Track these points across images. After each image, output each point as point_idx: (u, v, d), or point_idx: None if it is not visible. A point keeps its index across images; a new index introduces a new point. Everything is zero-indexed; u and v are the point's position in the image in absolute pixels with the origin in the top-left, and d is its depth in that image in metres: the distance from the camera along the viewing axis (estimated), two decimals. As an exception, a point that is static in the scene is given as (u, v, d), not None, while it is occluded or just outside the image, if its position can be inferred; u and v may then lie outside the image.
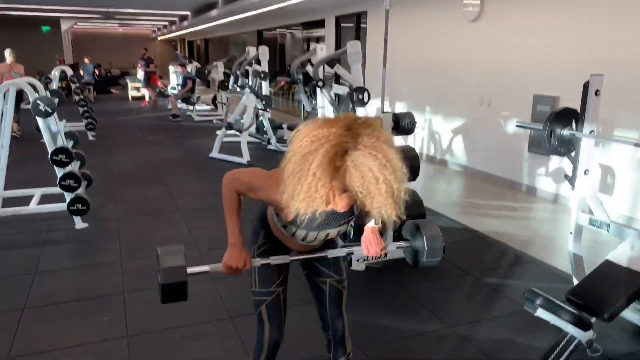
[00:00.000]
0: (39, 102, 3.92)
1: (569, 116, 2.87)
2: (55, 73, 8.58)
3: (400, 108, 8.06)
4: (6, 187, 4.57)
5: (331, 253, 1.86)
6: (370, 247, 1.82)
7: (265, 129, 7.93)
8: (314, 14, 10.63)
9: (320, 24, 10.67)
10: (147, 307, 2.98)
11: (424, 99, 7.46)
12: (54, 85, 8.69)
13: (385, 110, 3.74)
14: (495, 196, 5.55)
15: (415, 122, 3.75)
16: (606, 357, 2.54)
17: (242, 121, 7.55)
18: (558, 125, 2.87)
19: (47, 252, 3.82)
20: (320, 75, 5.56)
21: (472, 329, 2.81)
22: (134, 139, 8.95)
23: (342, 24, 9.95)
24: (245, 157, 6.88)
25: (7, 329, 2.75)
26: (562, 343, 2.27)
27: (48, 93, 4.61)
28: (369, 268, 3.58)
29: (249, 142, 8.23)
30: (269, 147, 7.93)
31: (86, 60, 16.17)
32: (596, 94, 2.75)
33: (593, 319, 2.23)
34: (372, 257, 1.93)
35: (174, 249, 1.66)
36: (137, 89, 15.46)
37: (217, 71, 11.35)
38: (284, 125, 8.05)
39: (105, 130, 9.54)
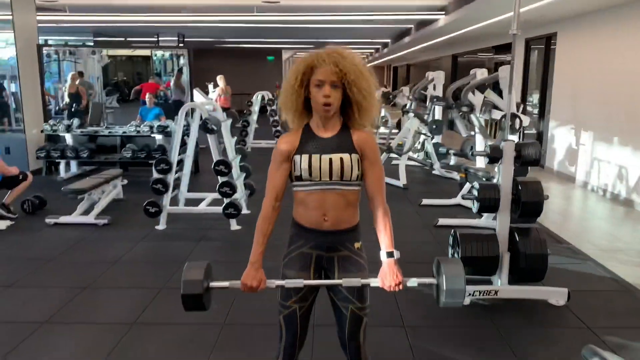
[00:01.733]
0: (207, 121, 4.74)
1: None
2: (257, 97, 9.96)
3: (584, 138, 7.23)
4: (189, 190, 5.60)
5: (346, 282, 1.91)
6: (385, 279, 1.87)
7: (429, 154, 7.91)
8: (503, 37, 10.19)
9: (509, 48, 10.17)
10: (252, 302, 3.37)
11: (611, 128, 6.57)
12: (255, 107, 10.10)
13: (506, 139, 3.53)
14: (678, 247, 4.63)
15: (540, 153, 3.46)
16: None
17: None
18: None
19: (201, 245, 4.57)
20: (474, 100, 5.42)
21: (554, 385, 2.51)
22: (314, 157, 9.80)
23: (532, 46, 9.34)
24: (402, 181, 7.00)
25: (143, 302, 3.43)
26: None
27: (224, 114, 5.48)
28: (474, 303, 3.42)
29: (413, 166, 8.35)
30: (434, 172, 7.89)
31: (296, 86, 18.12)
32: None
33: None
34: (394, 289, 1.89)
35: (198, 265, 1.92)
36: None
37: (402, 96, 11.65)
38: (451, 151, 7.91)
39: (294, 148, 10.63)
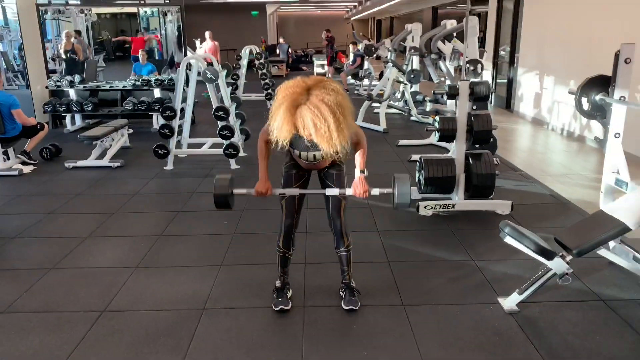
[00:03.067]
0: (207, 71, 5.36)
1: (603, 83, 3.10)
2: (245, 51, 10.46)
3: (547, 82, 7.95)
4: (190, 136, 6.27)
5: (328, 191, 2.69)
6: (356, 189, 2.63)
7: (407, 101, 8.59)
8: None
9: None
10: (255, 219, 4.13)
11: (570, 72, 7.28)
12: (244, 61, 10.61)
13: (463, 78, 4.22)
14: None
15: (490, 91, 4.18)
16: (600, 299, 2.86)
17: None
18: (592, 91, 3.13)
19: (205, 181, 5.28)
20: (445, 49, 6.06)
21: (489, 263, 3.31)
22: (301, 108, 10.42)
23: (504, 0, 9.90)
24: (382, 126, 7.71)
25: (165, 221, 4.16)
26: (540, 273, 2.72)
27: (220, 66, 6.08)
28: (435, 215, 4.20)
29: (394, 113, 9.04)
30: (411, 118, 8.59)
31: (281, 41, 18.51)
32: (626, 62, 2.95)
33: (563, 255, 2.63)
34: (362, 195, 2.65)
35: (225, 175, 2.70)
36: (322, 66, 17.21)
37: (384, 48, 12.18)
38: (427, 99, 8.59)
39: (282, 100, 11.22)
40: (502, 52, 9.98)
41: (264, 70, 10.50)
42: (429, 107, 8.42)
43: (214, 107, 5.57)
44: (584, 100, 3.23)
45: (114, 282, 3.12)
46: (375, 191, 2.66)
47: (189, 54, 9.95)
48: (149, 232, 3.93)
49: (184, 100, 5.92)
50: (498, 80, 10.19)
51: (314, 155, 2.57)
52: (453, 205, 4.21)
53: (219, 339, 2.56)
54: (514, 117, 9.01)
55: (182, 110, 5.95)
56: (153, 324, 2.68)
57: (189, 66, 5.79)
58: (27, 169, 5.75)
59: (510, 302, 2.79)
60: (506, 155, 6.08)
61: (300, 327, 2.65)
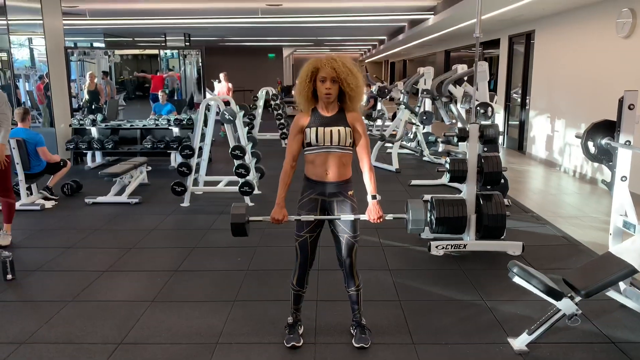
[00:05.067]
0: (225, 112, 5.57)
1: (609, 127, 3.20)
2: (261, 92, 10.77)
3: (558, 125, 8.05)
4: (207, 174, 6.44)
5: (344, 217, 2.76)
6: (370, 214, 2.72)
7: (419, 142, 8.73)
8: (492, 34, 10.99)
9: (497, 43, 10.98)
10: (268, 256, 4.21)
11: (579, 115, 7.39)
12: (260, 101, 10.91)
13: (472, 122, 4.35)
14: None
15: (499, 133, 4.29)
16: (610, 341, 2.87)
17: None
18: (598, 136, 3.22)
19: (220, 218, 5.40)
20: (456, 92, 6.23)
21: (499, 303, 3.34)
22: (315, 147, 10.62)
23: (515, 44, 10.14)
24: (395, 165, 7.83)
25: (181, 257, 4.26)
26: (549, 313, 2.75)
27: (237, 107, 6.30)
28: (446, 255, 4.25)
29: (406, 154, 9.17)
30: (424, 158, 8.71)
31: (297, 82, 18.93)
32: (630, 107, 3.05)
33: (571, 296, 2.66)
34: (376, 221, 2.74)
35: (241, 204, 2.81)
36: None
37: (397, 90, 12.45)
38: (439, 140, 8.73)
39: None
40: (514, 95, 10.15)
41: (279, 111, 10.77)
42: (441, 147, 8.54)
43: (230, 146, 5.75)
44: (590, 144, 3.32)
45: (131, 316, 3.20)
46: (390, 217, 2.75)
47: (207, 94, 10.31)
48: (165, 267, 4.02)
49: (202, 139, 6.12)
50: (510, 122, 10.32)
51: (330, 132, 2.62)
52: (464, 246, 4.25)
53: (231, 374, 2.60)
54: (526, 158, 9.09)
55: (200, 149, 6.14)
56: (168, 358, 2.74)
57: (207, 107, 6.01)
58: (48, 204, 5.93)
59: (520, 342, 2.81)
60: (518, 196, 6.14)
61: (312, 363, 2.69)
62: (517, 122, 9.85)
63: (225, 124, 5.77)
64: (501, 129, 10.29)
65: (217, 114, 5.95)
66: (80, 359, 2.73)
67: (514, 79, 10.16)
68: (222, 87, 12.05)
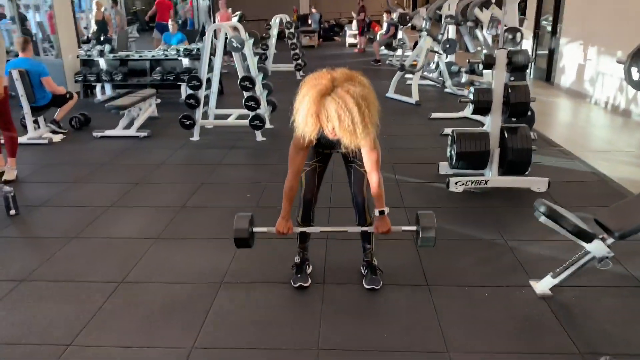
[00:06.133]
0: (232, 39, 5.22)
1: (657, 51, 2.82)
2: (275, 21, 10.24)
3: (591, 53, 7.49)
4: (218, 107, 6.17)
5: (350, 229, 2.64)
6: (379, 228, 2.55)
7: (441, 73, 8.27)
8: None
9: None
10: (278, 192, 4.02)
11: (619, 41, 6.82)
12: (274, 30, 10.40)
13: (501, 47, 3.96)
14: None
15: (529, 61, 3.90)
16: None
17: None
18: (643, 60, 2.85)
19: (231, 153, 5.20)
20: (482, 17, 5.74)
21: (522, 244, 3.13)
22: (332, 79, 10.19)
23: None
24: (414, 97, 7.44)
25: (189, 193, 4.11)
26: (577, 256, 2.54)
27: (247, 34, 5.92)
28: (466, 192, 4.01)
29: (427, 85, 8.74)
30: (446, 90, 8.27)
31: (313, 10, 18.14)
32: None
33: (603, 237, 2.43)
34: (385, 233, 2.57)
35: (244, 216, 2.58)
36: (354, 36, 16.81)
37: (419, 17, 11.74)
38: (462, 69, 8.24)
39: (312, 71, 10.99)
40: (544, 22, 9.46)
41: (294, 40, 10.27)
42: (464, 78, 8.08)
43: (239, 77, 5.44)
44: (634, 70, 2.95)
45: (134, 253, 3.09)
46: (399, 229, 2.58)
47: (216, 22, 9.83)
48: (172, 203, 3.88)
49: (212, 70, 5.81)
50: (538, 52, 9.70)
51: (337, 151, 2.52)
52: (486, 182, 4.00)
53: (234, 315, 2.49)
54: (554, 89, 8.57)
55: (209, 80, 5.85)
56: (170, 297, 2.63)
57: (215, 34, 5.66)
58: (56, 138, 5.79)
59: (543, 285, 2.62)
60: (545, 129, 5.76)
61: (319, 305, 2.55)
62: (546, 51, 9.23)
63: (233, 53, 5.43)
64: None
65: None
66: (80, 297, 2.64)
67: (544, 4, 9.43)
68: (220, 15, 11.47)
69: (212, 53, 5.82)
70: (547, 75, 9.12)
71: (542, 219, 2.51)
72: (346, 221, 2.98)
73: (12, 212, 3.65)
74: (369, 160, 2.42)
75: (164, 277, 2.83)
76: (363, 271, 2.77)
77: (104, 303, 2.58)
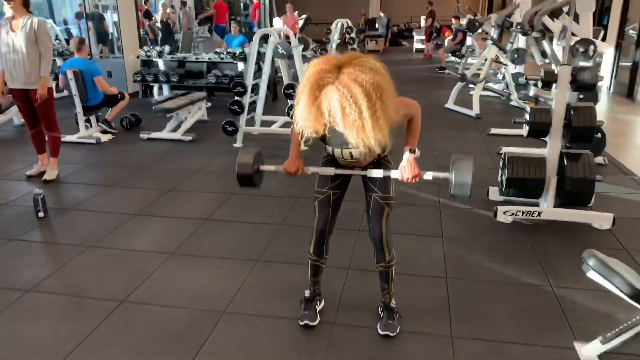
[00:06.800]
0: (278, 46, 5.04)
1: None
2: (335, 26, 10.03)
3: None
4: (265, 114, 6.04)
5: (369, 173, 2.24)
6: (404, 172, 2.17)
7: (507, 84, 7.70)
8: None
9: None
10: (308, 209, 3.78)
11: None
12: (335, 35, 10.19)
13: (564, 63, 3.50)
14: None
15: (597, 78, 3.42)
16: None
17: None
18: None
19: (269, 162, 4.99)
20: (553, 27, 5.21)
21: (572, 293, 2.70)
22: (391, 87, 9.85)
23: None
24: (475, 110, 6.96)
25: (216, 204, 3.96)
26: (635, 320, 2.11)
27: (297, 41, 5.73)
28: (515, 223, 3.59)
29: (492, 97, 8.20)
30: (511, 102, 7.70)
31: (381, 15, 17.77)
32: None
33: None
34: (411, 180, 2.18)
35: (249, 151, 2.33)
36: (421, 41, 16.30)
37: (489, 24, 11.10)
38: (530, 82, 7.62)
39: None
40: (630, 32, 8.61)
41: (354, 46, 10.01)
42: (532, 91, 7.46)
43: (284, 84, 5.26)
44: None
45: (144, 269, 2.95)
46: (428, 175, 2.19)
47: (276, 24, 9.76)
48: (197, 215, 3.74)
49: (260, 75, 5.67)
50: (620, 64, 8.84)
51: (351, 153, 2.16)
52: (539, 214, 3.55)
53: (229, 351, 2.27)
54: (635, 106, 7.76)
55: (257, 86, 5.71)
56: (167, 324, 2.46)
57: (264, 40, 5.52)
58: (105, 138, 5.87)
59: (589, 351, 2.21)
60: (618, 154, 5.12)
61: (323, 349, 2.28)
62: (630, 64, 8.39)
63: (279, 60, 5.26)
64: (609, 71, 8.86)
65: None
66: (78, 316, 2.53)
67: (631, 12, 8.58)
68: (285, 19, 11.40)
69: (261, 59, 5.69)
70: (630, 90, 8.28)
71: (591, 274, 2.10)
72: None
73: (41, 214, 3.65)
74: (410, 121, 2.17)
75: (167, 299, 2.67)
76: (380, 313, 2.47)
77: (99, 324, 2.44)
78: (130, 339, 2.35)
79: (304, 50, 5.96)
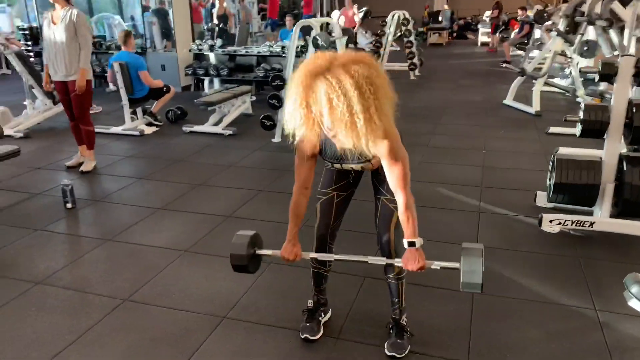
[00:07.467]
0: (317, 37, 4.85)
1: None
2: (391, 18, 9.70)
3: None
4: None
5: (371, 260, 2.07)
6: (407, 263, 1.94)
7: (573, 79, 7.09)
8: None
9: None
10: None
11: None
12: (390, 28, 9.85)
13: (627, 53, 3.06)
14: None
15: (666, 71, 2.96)
16: None
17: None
18: None
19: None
20: (624, 15, 4.68)
21: (617, 319, 2.32)
22: (448, 81, 9.40)
23: None
24: (535, 107, 6.43)
25: (242, 201, 3.84)
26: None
27: (340, 32, 5.51)
28: (562, 233, 3.20)
29: (556, 92, 7.61)
30: (577, 99, 7.07)
31: (445, 7, 17.13)
32: None
33: None
34: (416, 271, 1.93)
35: (245, 233, 2.14)
36: (487, 34, 15.54)
37: (558, 15, 10.34)
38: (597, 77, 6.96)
39: (430, 71, 10.32)
40: None
41: (410, 38, 9.61)
42: (601, 86, 6.82)
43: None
44: None
45: (154, 266, 2.87)
46: (437, 265, 1.94)
47: (334, 16, 9.56)
48: (220, 212, 3.63)
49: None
50: None
51: (351, 167, 2.00)
52: (591, 224, 3.15)
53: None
54: None
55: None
56: (165, 326, 2.35)
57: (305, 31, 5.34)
58: (148, 130, 5.93)
59: (632, 393, 1.87)
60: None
61: (321, 366, 2.08)
62: None
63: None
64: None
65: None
66: (80, 311, 2.47)
67: None
68: (345, 12, 11.15)
69: (304, 51, 5.52)
70: None
71: (633, 302, 1.77)
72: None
73: (69, 205, 3.68)
74: (391, 176, 1.85)
75: (171, 300, 2.56)
76: (390, 329, 2.23)
77: (98, 322, 2.37)
78: (125, 339, 2.26)
79: (348, 42, 5.72)
